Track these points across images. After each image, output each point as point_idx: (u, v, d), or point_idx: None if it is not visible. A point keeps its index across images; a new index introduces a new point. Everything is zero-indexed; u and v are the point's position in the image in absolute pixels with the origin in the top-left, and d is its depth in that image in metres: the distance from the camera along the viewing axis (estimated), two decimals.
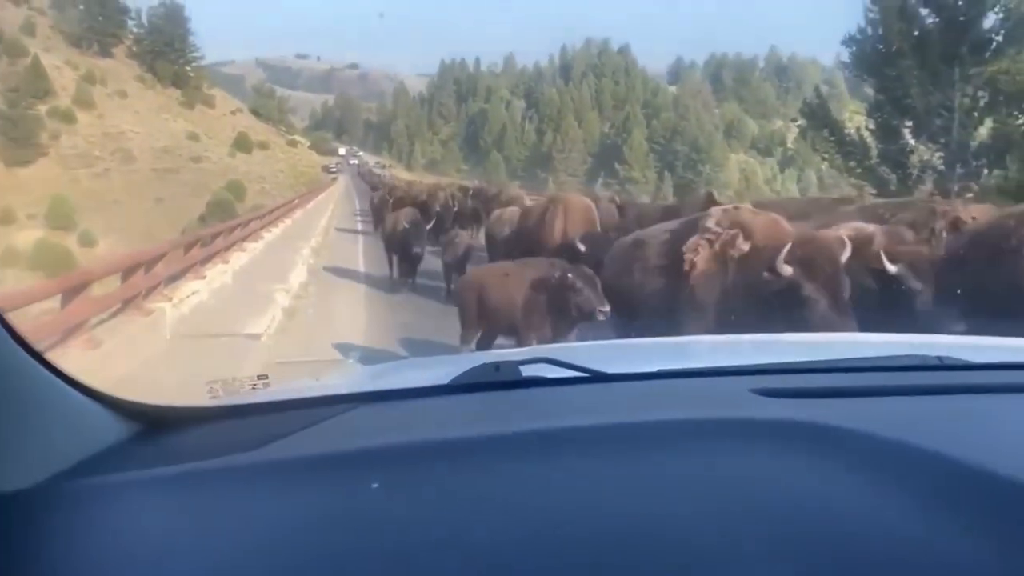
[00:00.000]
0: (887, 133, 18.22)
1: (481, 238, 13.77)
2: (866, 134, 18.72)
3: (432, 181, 42.90)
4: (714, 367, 1.52)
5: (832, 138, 19.06)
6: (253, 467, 0.95)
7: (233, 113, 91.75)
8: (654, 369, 1.46)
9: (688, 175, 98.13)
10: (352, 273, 14.51)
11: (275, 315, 9.77)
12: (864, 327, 4.38)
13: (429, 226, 13.35)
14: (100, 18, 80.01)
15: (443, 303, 10.66)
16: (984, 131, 16.85)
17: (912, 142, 17.88)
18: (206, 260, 11.88)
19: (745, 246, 4.87)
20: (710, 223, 5.10)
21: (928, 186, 17.01)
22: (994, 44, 16.67)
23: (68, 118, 60.66)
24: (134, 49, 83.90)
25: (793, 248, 4.56)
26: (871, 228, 6.05)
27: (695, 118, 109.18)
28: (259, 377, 1.66)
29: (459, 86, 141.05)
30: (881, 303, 5.19)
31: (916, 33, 17.23)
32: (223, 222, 18.05)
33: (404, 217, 12.80)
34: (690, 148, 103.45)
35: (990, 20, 16.73)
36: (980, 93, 16.86)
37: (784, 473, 0.87)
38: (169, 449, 1.06)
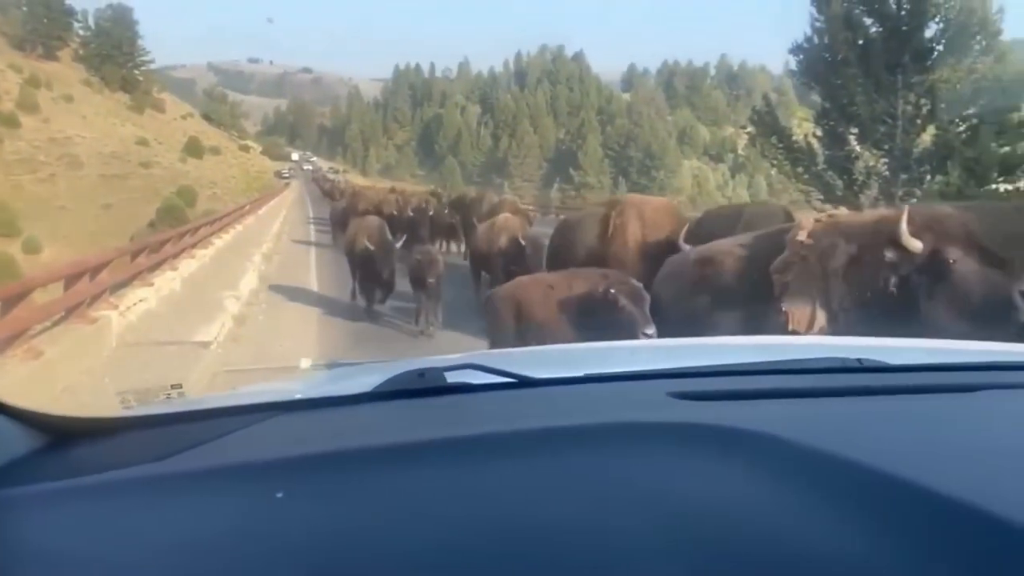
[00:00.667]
0: (833, 140, 18.57)
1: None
2: (813, 141, 19.06)
3: (387, 186, 42.52)
4: (636, 371, 1.53)
5: (781, 145, 19.37)
6: (160, 478, 0.94)
7: (184, 118, 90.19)
8: (579, 374, 1.47)
9: (642, 181, 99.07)
10: (305, 294, 13.17)
11: (225, 322, 9.65)
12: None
13: (400, 242, 11.70)
14: (45, 20, 77.92)
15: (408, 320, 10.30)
16: (927, 138, 17.26)
17: (857, 149, 18.25)
18: (154, 267, 11.67)
19: (850, 249, 4.19)
20: (801, 236, 4.36)
21: (873, 192, 17.41)
22: (935, 53, 17.13)
23: (11, 123, 58.99)
24: (80, 52, 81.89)
25: (912, 219, 3.95)
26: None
27: (648, 125, 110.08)
28: (172, 387, 1.62)
29: (414, 91, 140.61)
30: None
31: (861, 42, 17.60)
32: (174, 228, 17.65)
33: (366, 231, 11.14)
34: (644, 154, 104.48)
35: (931, 30, 17.19)
36: (922, 101, 17.27)
37: (691, 474, 0.87)
38: (77, 461, 1.03)
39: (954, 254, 3.91)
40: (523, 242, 9.95)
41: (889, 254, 4.03)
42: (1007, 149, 14.50)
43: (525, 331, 5.81)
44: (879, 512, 0.74)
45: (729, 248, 5.12)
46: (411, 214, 17.32)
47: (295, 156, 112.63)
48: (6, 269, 28.74)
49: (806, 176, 18.77)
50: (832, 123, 18.57)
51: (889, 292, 4.05)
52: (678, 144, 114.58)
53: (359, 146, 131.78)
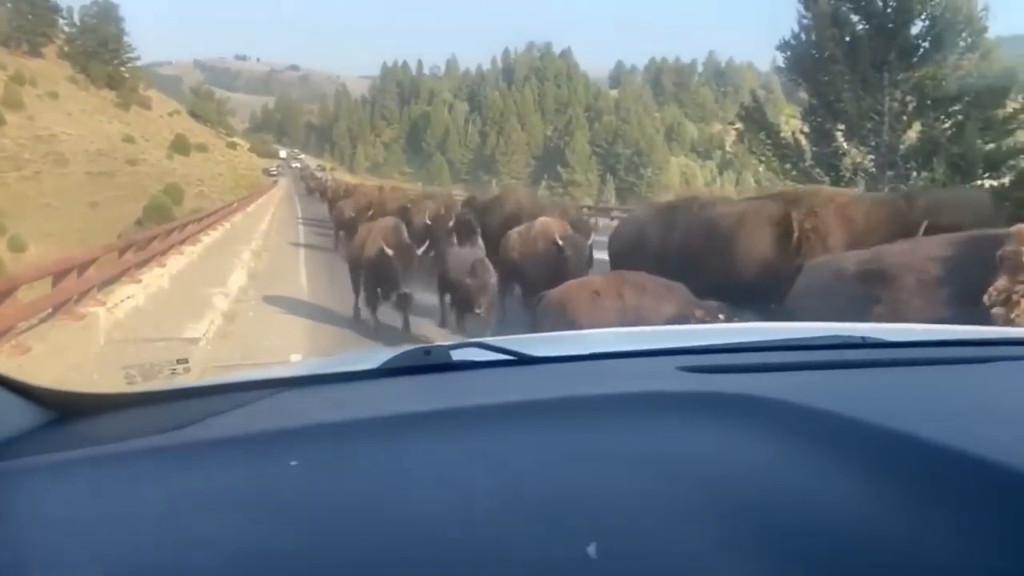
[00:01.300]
0: (821, 136, 18.61)
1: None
2: (801, 137, 19.09)
3: (375, 184, 42.36)
4: (641, 349, 1.53)
5: (768, 141, 19.38)
6: (168, 448, 0.93)
7: (171, 115, 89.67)
8: (586, 352, 1.47)
9: (630, 178, 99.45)
10: (295, 290, 12.54)
11: (214, 319, 9.62)
12: None
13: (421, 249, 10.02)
14: (30, 17, 77.26)
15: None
16: (913, 134, 17.34)
17: (844, 145, 18.31)
18: (142, 264, 11.63)
19: None
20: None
21: (860, 188, 17.48)
22: (920, 50, 17.19)
23: None
24: (66, 49, 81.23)
25: None
26: None
27: (636, 122, 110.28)
28: (178, 361, 1.62)
29: (401, 88, 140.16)
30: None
31: (847, 39, 17.65)
32: (161, 226, 17.49)
33: (381, 234, 9.61)
34: (632, 151, 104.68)
35: (917, 27, 17.24)
36: (908, 98, 17.34)
37: (708, 442, 0.88)
38: (83, 434, 1.03)
39: None
40: (561, 243, 8.88)
41: None
42: (992, 145, 14.63)
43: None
44: (905, 472, 0.74)
45: (906, 259, 4.02)
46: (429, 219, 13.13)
47: (283, 154, 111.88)
48: None
49: (794, 172, 18.80)
50: (819, 119, 18.62)
51: None
52: (666, 141, 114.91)
53: (347, 143, 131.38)
